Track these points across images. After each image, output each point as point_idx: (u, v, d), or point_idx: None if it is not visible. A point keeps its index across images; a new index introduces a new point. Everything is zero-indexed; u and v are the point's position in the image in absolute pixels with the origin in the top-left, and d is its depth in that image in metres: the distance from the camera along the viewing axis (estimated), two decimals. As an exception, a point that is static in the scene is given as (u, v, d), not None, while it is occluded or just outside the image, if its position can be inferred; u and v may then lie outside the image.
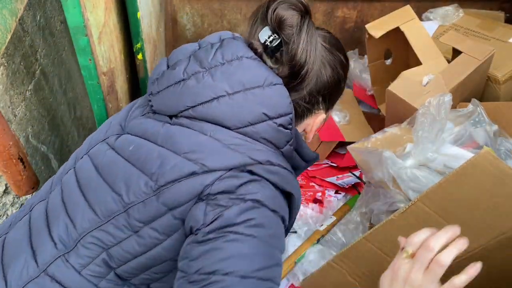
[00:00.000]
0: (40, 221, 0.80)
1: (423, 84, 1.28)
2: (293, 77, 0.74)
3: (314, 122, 0.85)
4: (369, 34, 1.46)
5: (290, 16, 0.72)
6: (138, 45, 1.33)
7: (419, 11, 1.69)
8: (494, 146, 1.12)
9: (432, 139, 1.06)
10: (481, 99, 1.46)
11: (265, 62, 0.76)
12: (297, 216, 1.46)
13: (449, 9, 1.69)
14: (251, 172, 0.72)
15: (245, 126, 0.73)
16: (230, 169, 0.71)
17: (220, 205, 0.68)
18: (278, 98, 0.73)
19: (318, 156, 0.88)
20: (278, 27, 0.73)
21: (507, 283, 0.89)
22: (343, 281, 1.05)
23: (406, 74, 1.31)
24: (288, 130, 0.75)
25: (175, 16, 1.96)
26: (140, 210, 0.72)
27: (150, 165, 0.74)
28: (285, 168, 0.76)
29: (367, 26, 1.47)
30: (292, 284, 1.27)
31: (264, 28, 0.75)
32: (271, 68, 0.76)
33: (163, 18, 1.89)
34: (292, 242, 1.38)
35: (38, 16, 1.25)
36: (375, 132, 1.85)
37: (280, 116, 0.74)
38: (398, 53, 1.47)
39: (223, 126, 0.74)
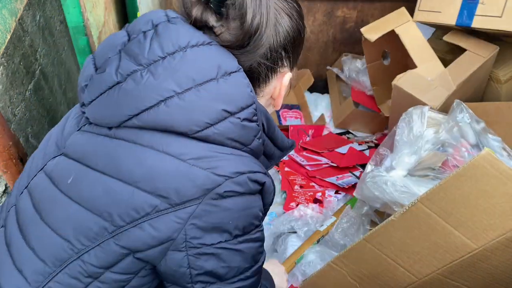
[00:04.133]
0: None
1: (429, 79, 1.28)
2: (247, 33, 0.64)
3: (281, 83, 0.75)
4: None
5: None
6: (138, 45, 1.33)
7: (419, 11, 1.69)
8: (483, 143, 1.12)
9: (411, 143, 1.09)
10: (482, 98, 1.46)
11: (207, 23, 0.65)
12: (297, 216, 1.46)
13: (449, 9, 1.69)
14: (221, 196, 0.61)
15: (205, 129, 0.62)
16: (199, 199, 0.61)
17: (204, 253, 0.63)
18: (237, 89, 0.63)
19: (294, 144, 0.80)
20: None
21: (507, 283, 0.89)
22: (344, 282, 1.05)
23: (412, 71, 1.31)
24: (253, 123, 0.66)
25: (175, 16, 1.96)
26: (97, 254, 0.63)
27: (97, 202, 0.63)
28: (256, 172, 0.65)
29: (362, 29, 1.49)
30: (291, 285, 1.27)
31: None
32: (214, 27, 0.65)
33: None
34: (292, 243, 1.37)
35: (38, 16, 1.25)
36: (375, 132, 1.86)
37: (242, 109, 0.63)
38: (396, 54, 1.47)
39: (177, 133, 0.62)
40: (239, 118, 0.63)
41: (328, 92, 2.06)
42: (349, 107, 1.83)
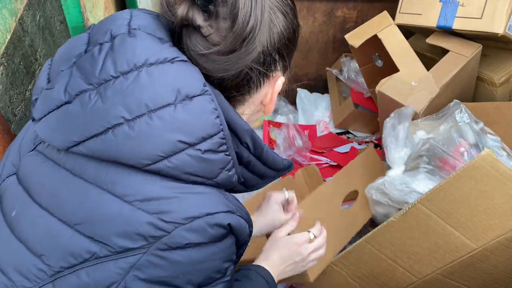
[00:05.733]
0: None
1: (412, 84, 1.29)
2: (239, 36, 0.55)
3: (273, 89, 0.68)
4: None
5: None
6: (138, 45, 1.33)
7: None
8: (482, 143, 1.12)
9: (401, 140, 1.11)
10: (474, 99, 1.47)
11: (193, 22, 0.56)
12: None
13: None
14: (171, 247, 0.54)
15: (156, 162, 0.53)
16: (144, 248, 0.54)
17: None
18: (197, 116, 0.54)
19: (292, 165, 0.71)
20: None
21: (507, 283, 0.89)
22: (344, 282, 1.05)
23: (395, 75, 1.31)
24: (220, 154, 0.57)
25: (175, 16, 1.96)
26: None
27: (37, 243, 0.58)
28: (216, 213, 0.56)
29: (346, 36, 1.49)
30: (291, 285, 1.27)
31: None
32: (200, 27, 0.56)
33: (163, 18, 1.89)
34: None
35: (38, 16, 1.25)
36: (374, 132, 1.86)
37: (204, 139, 0.55)
38: (386, 55, 1.47)
39: (126, 165, 0.55)
40: (199, 149, 0.54)
41: (328, 92, 2.06)
42: (349, 108, 1.83)
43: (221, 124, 0.56)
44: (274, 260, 0.84)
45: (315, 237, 0.89)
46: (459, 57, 1.29)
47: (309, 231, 0.89)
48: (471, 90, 1.46)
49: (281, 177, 1.16)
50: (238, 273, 0.79)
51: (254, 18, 0.55)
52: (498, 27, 1.19)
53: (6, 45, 1.06)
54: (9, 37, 1.07)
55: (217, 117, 0.56)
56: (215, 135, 0.55)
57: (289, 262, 0.85)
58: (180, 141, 0.53)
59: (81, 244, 0.55)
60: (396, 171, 1.13)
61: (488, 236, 0.81)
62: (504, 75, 1.37)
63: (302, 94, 2.02)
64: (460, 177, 0.78)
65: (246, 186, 0.67)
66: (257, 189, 0.70)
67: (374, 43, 1.44)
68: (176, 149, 0.53)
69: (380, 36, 1.40)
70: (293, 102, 2.06)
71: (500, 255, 0.83)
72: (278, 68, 0.65)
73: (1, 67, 1.05)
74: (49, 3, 1.33)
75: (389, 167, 1.17)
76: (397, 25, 1.42)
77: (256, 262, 0.83)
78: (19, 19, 1.12)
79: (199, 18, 0.56)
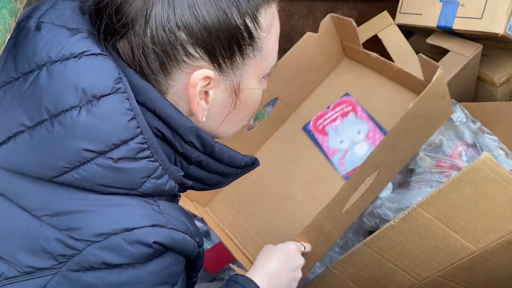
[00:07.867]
0: None
1: None
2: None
3: (189, 82, 0.53)
4: None
5: None
6: (138, 45, 1.32)
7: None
8: (480, 142, 1.12)
9: None
10: (474, 99, 1.47)
11: None
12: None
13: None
14: (83, 267, 0.47)
15: (63, 173, 0.47)
16: (55, 269, 0.48)
17: None
18: (106, 119, 0.47)
19: (256, 161, 0.63)
20: None
21: (508, 284, 0.89)
22: (344, 286, 1.05)
23: None
24: (142, 161, 0.49)
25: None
26: None
27: None
28: (138, 228, 0.48)
29: None
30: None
31: None
32: None
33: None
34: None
35: (37, 16, 1.24)
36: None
37: (117, 146, 0.47)
38: (386, 56, 1.47)
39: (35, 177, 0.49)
40: (110, 158, 0.47)
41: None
42: (349, 107, 1.83)
43: (139, 127, 0.48)
44: (272, 266, 0.78)
45: (303, 251, 0.87)
46: (459, 57, 1.29)
47: (301, 243, 0.88)
48: (472, 90, 1.46)
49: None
50: (225, 285, 0.73)
51: None
52: (498, 27, 1.18)
53: (5, 45, 1.05)
54: (8, 37, 1.07)
55: (133, 118, 0.48)
56: (130, 140, 0.48)
57: (286, 267, 0.80)
58: (86, 150, 0.47)
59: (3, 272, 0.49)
60: (385, 192, 1.14)
61: (489, 239, 0.80)
62: (505, 75, 1.37)
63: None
64: (460, 181, 0.77)
65: (209, 185, 0.61)
66: (223, 186, 0.64)
67: (374, 43, 1.43)
68: (82, 159, 0.47)
69: (380, 36, 1.40)
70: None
71: (501, 257, 0.82)
72: (194, 54, 0.52)
73: (1, 67, 1.04)
74: (48, 3, 1.32)
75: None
76: (397, 25, 1.41)
77: (252, 272, 0.77)
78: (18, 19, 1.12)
79: None
